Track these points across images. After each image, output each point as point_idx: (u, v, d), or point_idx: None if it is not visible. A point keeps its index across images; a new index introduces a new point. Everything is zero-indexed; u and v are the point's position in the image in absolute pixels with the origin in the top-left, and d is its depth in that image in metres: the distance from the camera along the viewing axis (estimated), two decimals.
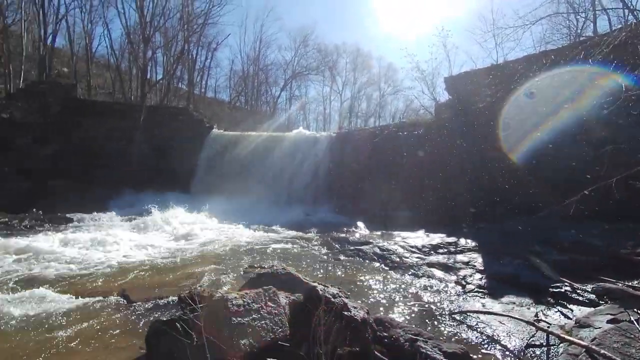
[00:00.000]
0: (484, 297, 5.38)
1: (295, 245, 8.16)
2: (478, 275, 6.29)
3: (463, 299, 5.33)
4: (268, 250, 7.56)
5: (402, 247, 7.84)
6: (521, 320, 4.36)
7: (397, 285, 5.61)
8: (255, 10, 69.01)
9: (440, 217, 10.97)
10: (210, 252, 7.49)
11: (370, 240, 8.34)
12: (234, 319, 2.13)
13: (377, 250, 7.49)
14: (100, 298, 4.48)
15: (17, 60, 21.26)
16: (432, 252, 7.68)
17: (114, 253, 6.95)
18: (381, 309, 4.63)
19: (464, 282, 6.03)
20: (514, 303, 5.14)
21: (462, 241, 8.26)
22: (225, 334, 2.04)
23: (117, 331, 3.71)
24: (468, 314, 4.68)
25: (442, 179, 12.56)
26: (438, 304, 4.97)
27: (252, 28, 69.34)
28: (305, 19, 69.29)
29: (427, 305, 4.90)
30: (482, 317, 4.58)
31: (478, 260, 7.05)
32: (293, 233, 9.71)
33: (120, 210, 12.79)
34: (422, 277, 6.22)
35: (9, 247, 6.64)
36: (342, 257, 7.21)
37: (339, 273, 6.10)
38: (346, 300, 3.13)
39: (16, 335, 3.56)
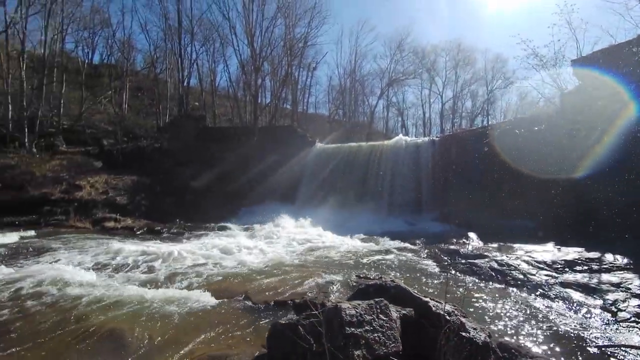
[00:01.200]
0: None
1: (401, 257, 7.92)
2: (635, 302, 5.05)
3: (614, 329, 4.34)
4: (373, 261, 7.53)
5: (526, 262, 6.85)
6: None
7: (522, 308, 4.91)
8: (350, 25, 71.33)
9: (573, 228, 9.21)
10: (315, 260, 7.86)
11: (486, 254, 7.54)
12: (347, 328, 2.19)
13: (495, 265, 6.72)
14: (228, 298, 5.16)
15: (164, 101, 26.72)
16: (567, 269, 6.50)
17: (235, 258, 7.94)
18: (504, 333, 4.11)
19: (614, 309, 4.91)
20: None
21: (609, 257, 6.78)
22: (339, 343, 2.12)
23: (242, 328, 4.22)
24: (622, 348, 3.78)
25: (574, 182, 10.56)
26: (579, 334, 4.15)
27: (347, 43, 71.95)
28: (400, 23, 68.10)
29: (563, 334, 4.14)
30: None
31: (634, 282, 5.68)
32: (396, 244, 9.45)
33: (239, 221, 14.59)
34: (554, 299, 5.31)
35: (167, 252, 8.23)
36: (453, 272, 6.69)
37: (452, 289, 5.66)
38: (463, 320, 2.89)
39: (170, 320, 4.38)
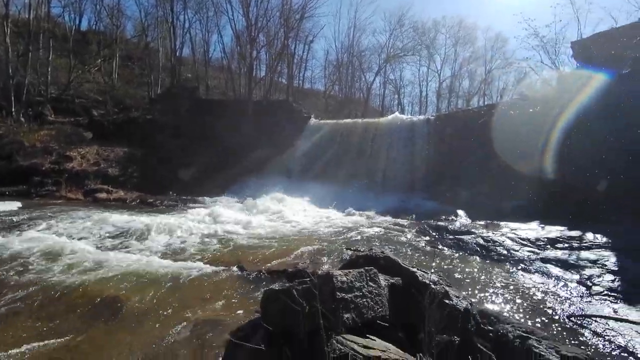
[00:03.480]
0: (616, 302, 4.58)
1: (390, 232, 8.16)
2: (609, 277, 5.36)
3: (587, 302, 4.63)
4: (364, 236, 7.75)
5: (511, 239, 7.12)
6: None
7: (503, 281, 5.17)
8: None
9: (561, 209, 9.49)
10: (308, 233, 8.06)
11: (473, 230, 7.79)
12: (338, 294, 2.34)
13: (481, 241, 6.97)
14: (223, 267, 5.33)
15: (155, 71, 25.92)
16: (549, 246, 6.78)
17: (229, 230, 8.09)
18: (485, 303, 4.36)
19: (589, 283, 5.21)
20: None
21: (590, 236, 7.07)
22: (330, 306, 2.27)
23: (237, 295, 4.41)
24: (594, 318, 4.06)
25: (566, 165, 10.77)
26: (555, 305, 4.42)
27: (346, 15, 69.40)
28: None
29: (540, 305, 4.40)
30: (612, 323, 3.93)
31: (610, 259, 5.98)
32: (388, 219, 9.70)
33: (233, 194, 14.65)
34: (534, 273, 5.59)
35: (156, 222, 8.31)
36: (440, 246, 6.94)
37: (438, 262, 5.90)
38: (447, 289, 3.07)
39: (167, 288, 4.53)
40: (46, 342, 3.36)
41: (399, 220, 9.43)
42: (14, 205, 10.53)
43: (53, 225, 7.86)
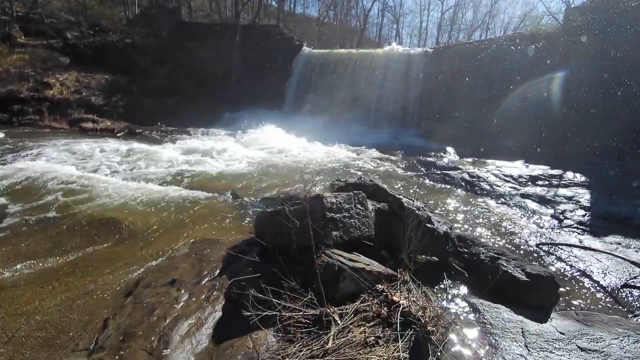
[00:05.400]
0: (583, 234, 4.98)
1: (380, 166, 8.34)
2: (581, 212, 5.73)
3: (557, 233, 5.02)
4: (354, 169, 7.92)
5: (495, 175, 7.38)
6: (624, 258, 4.00)
7: (484, 212, 5.49)
8: None
9: (550, 149, 9.71)
10: (299, 166, 8.18)
11: (460, 167, 8.02)
12: (328, 213, 2.49)
13: (466, 177, 7.22)
14: (217, 194, 5.49)
15: None
16: (530, 183, 7.09)
17: (221, 161, 8.16)
18: (464, 229, 4.69)
19: (561, 217, 5.59)
20: (619, 243, 4.67)
21: (569, 175, 7.38)
22: (320, 224, 2.43)
23: (230, 218, 4.62)
24: (560, 246, 4.44)
25: (563, 105, 10.73)
26: (526, 235, 4.79)
27: None
28: None
29: (514, 234, 4.77)
30: (576, 251, 4.32)
31: (585, 196, 6.34)
32: (379, 154, 9.83)
33: (224, 126, 14.42)
34: (513, 207, 5.93)
35: (153, 152, 8.30)
36: (427, 181, 7.19)
37: (423, 193, 6.17)
38: (430, 214, 3.27)
39: (165, 212, 4.71)
40: (56, 257, 3.57)
41: (390, 156, 9.58)
42: None
43: (40, 153, 7.78)
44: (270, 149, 10.03)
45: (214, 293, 2.81)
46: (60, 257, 3.63)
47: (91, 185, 5.61)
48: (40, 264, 3.50)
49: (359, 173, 7.18)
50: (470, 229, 4.76)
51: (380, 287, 2.55)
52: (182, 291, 2.84)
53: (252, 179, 6.72)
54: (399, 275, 2.73)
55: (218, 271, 3.03)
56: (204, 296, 2.79)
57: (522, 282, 2.91)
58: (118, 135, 12.11)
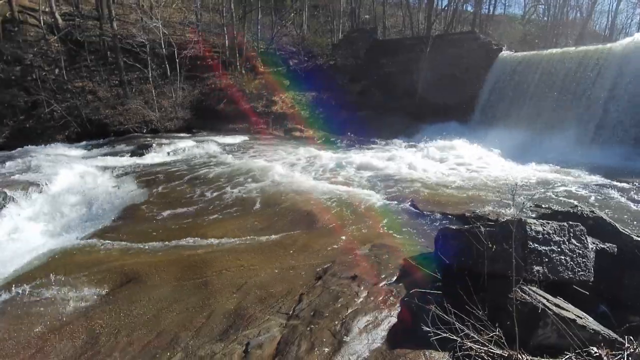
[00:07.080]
0: None
1: (604, 195, 6.42)
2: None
3: None
4: (560, 194, 6.44)
5: None
6: None
7: None
8: None
9: None
10: (489, 184, 7.34)
11: None
12: (531, 243, 2.14)
13: None
14: (396, 202, 5.69)
15: (337, 17, 27.22)
16: None
17: (401, 170, 8.39)
18: None
19: None
20: None
21: None
22: (519, 253, 2.12)
23: (408, 227, 4.72)
24: None
25: None
26: None
27: None
28: None
29: None
30: None
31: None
32: (602, 180, 7.58)
33: (406, 138, 14.69)
34: None
35: (343, 158, 9.64)
36: None
37: None
38: None
39: (348, 210, 5.28)
40: (270, 234, 4.65)
41: (618, 184, 7.20)
42: (241, 138, 14.29)
43: (265, 154, 10.30)
44: (453, 162, 9.48)
45: (391, 298, 2.94)
46: (273, 234, 4.68)
47: (293, 182, 6.99)
48: (259, 237, 4.61)
49: (572, 201, 5.77)
50: None
51: (595, 350, 2.02)
52: (362, 288, 3.11)
53: (431, 191, 6.56)
54: (627, 345, 2.08)
55: (395, 278, 3.15)
56: (381, 298, 2.96)
57: None
58: (317, 142, 14.48)
